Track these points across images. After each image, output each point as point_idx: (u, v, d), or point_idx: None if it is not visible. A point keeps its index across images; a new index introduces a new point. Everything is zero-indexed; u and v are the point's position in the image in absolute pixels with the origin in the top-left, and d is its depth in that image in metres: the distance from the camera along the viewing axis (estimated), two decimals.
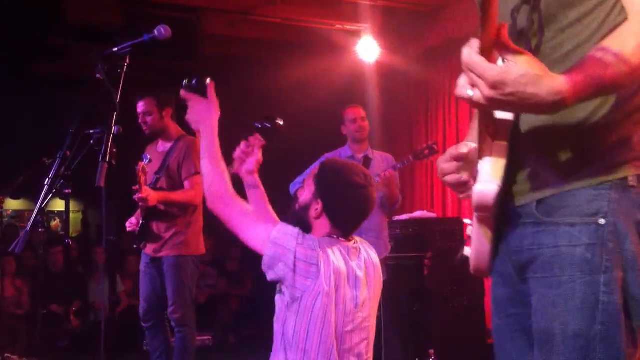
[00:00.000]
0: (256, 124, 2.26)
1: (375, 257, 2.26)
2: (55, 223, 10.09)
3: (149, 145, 4.30)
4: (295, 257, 2.00)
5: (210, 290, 7.63)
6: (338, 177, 2.19)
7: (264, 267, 2.07)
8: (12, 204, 9.67)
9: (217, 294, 7.70)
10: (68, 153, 2.68)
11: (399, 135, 7.32)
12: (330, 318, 2.03)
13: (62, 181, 2.82)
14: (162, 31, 2.47)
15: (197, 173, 4.01)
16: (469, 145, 1.41)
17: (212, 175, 2.15)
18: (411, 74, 6.70)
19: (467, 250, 1.49)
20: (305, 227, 2.18)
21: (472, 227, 1.42)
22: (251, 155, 2.27)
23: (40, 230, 3.34)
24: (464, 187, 1.39)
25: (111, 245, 2.89)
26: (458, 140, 6.34)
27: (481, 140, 1.30)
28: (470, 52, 1.09)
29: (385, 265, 4.60)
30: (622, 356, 1.21)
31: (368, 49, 6.47)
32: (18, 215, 9.90)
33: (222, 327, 7.22)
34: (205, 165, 2.18)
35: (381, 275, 2.26)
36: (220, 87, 2.23)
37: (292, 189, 4.46)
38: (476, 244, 1.41)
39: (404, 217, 5.15)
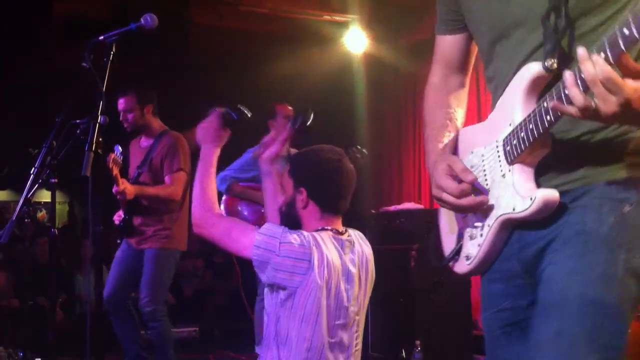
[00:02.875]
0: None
1: (368, 250, 2.27)
2: (42, 214, 10.03)
3: (132, 140, 4.26)
4: (280, 257, 2.01)
5: (197, 282, 7.62)
6: (311, 160, 2.23)
7: (255, 270, 2.09)
8: None
9: (203, 287, 7.68)
10: (54, 143, 2.66)
11: (386, 127, 7.33)
12: (322, 312, 2.04)
13: (48, 171, 2.79)
14: (148, 20, 2.46)
15: (179, 170, 3.97)
16: (459, 159, 1.46)
17: (198, 199, 2.21)
18: (400, 66, 6.70)
19: (474, 250, 1.50)
20: (296, 223, 2.19)
21: (491, 230, 1.43)
22: (274, 145, 2.34)
23: (26, 221, 3.31)
24: (481, 206, 1.42)
25: (98, 237, 2.88)
26: None
27: (530, 150, 1.33)
28: (609, 68, 1.12)
29: None
30: (626, 330, 1.28)
31: (356, 40, 6.45)
32: (4, 206, 9.83)
33: (209, 320, 7.21)
34: (195, 186, 2.24)
35: (373, 269, 2.27)
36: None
37: (222, 182, 4.41)
38: (491, 245, 1.45)
39: (392, 208, 5.15)
